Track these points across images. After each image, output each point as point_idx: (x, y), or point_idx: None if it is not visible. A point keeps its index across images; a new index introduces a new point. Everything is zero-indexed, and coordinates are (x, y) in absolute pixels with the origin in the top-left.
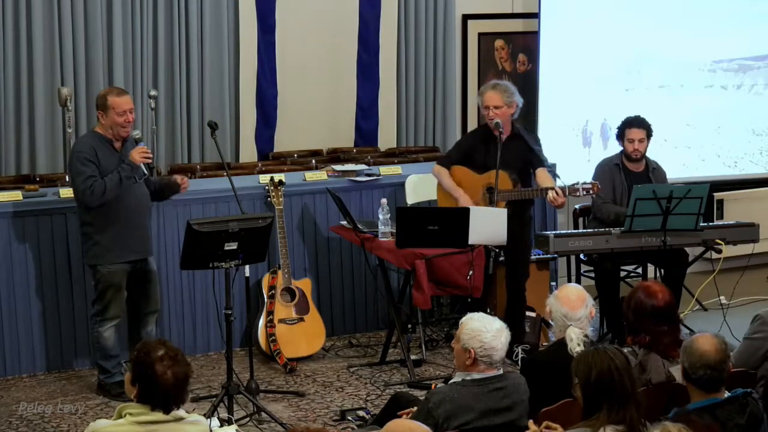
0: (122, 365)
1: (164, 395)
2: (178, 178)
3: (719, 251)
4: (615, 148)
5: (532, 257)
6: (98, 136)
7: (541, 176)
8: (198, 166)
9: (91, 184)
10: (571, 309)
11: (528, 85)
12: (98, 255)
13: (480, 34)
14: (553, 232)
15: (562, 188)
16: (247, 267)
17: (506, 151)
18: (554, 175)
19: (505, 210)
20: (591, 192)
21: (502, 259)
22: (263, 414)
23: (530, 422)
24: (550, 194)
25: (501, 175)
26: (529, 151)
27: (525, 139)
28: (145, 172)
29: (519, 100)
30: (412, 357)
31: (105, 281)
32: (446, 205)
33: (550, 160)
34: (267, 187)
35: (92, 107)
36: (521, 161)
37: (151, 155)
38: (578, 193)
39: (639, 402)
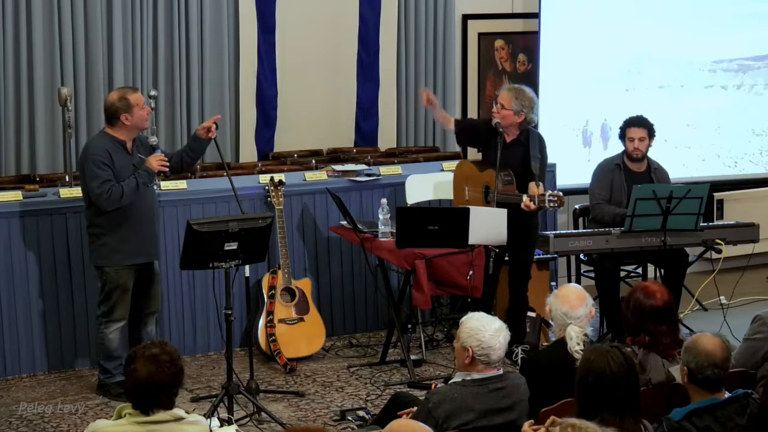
0: (123, 366)
1: (135, 392)
2: (201, 131)
3: (719, 251)
4: (615, 148)
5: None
6: (112, 138)
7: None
8: (198, 166)
9: (108, 189)
10: (571, 308)
11: (528, 85)
12: (105, 256)
13: (480, 34)
14: (553, 232)
15: (531, 198)
16: (247, 267)
17: (509, 154)
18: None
19: (505, 210)
20: (555, 205)
21: (506, 258)
22: (263, 414)
23: (525, 424)
24: (524, 200)
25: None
26: (526, 158)
27: (528, 147)
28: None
29: (532, 116)
30: (412, 357)
31: (112, 282)
32: (460, 191)
33: (551, 160)
34: (267, 187)
35: (92, 107)
36: (522, 167)
37: (168, 163)
38: (544, 204)
39: (639, 411)
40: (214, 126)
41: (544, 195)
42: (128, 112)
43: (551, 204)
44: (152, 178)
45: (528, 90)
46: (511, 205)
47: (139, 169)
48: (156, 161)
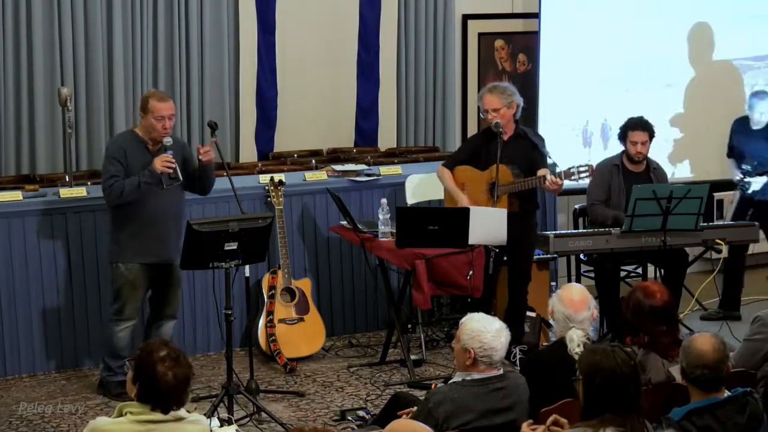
0: (126, 364)
1: (164, 395)
2: (200, 153)
3: (719, 251)
4: (615, 148)
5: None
6: (134, 135)
7: (540, 172)
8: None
9: (111, 184)
10: (575, 311)
11: (528, 85)
12: (116, 252)
13: (480, 34)
14: (553, 232)
15: (558, 173)
16: (247, 267)
17: (510, 150)
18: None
19: (505, 210)
20: (587, 174)
21: (505, 258)
22: (263, 414)
23: (524, 424)
24: (548, 178)
25: (502, 170)
26: (533, 150)
27: (530, 138)
28: (180, 178)
29: (519, 100)
30: (412, 357)
31: (121, 279)
32: (450, 206)
33: (551, 160)
34: (267, 187)
35: (92, 107)
36: (526, 161)
37: (173, 164)
38: (573, 177)
39: (642, 408)
40: (207, 148)
41: (572, 169)
42: (144, 113)
43: (583, 175)
44: (155, 179)
45: (499, 83)
46: (523, 192)
47: (145, 168)
48: (160, 162)
